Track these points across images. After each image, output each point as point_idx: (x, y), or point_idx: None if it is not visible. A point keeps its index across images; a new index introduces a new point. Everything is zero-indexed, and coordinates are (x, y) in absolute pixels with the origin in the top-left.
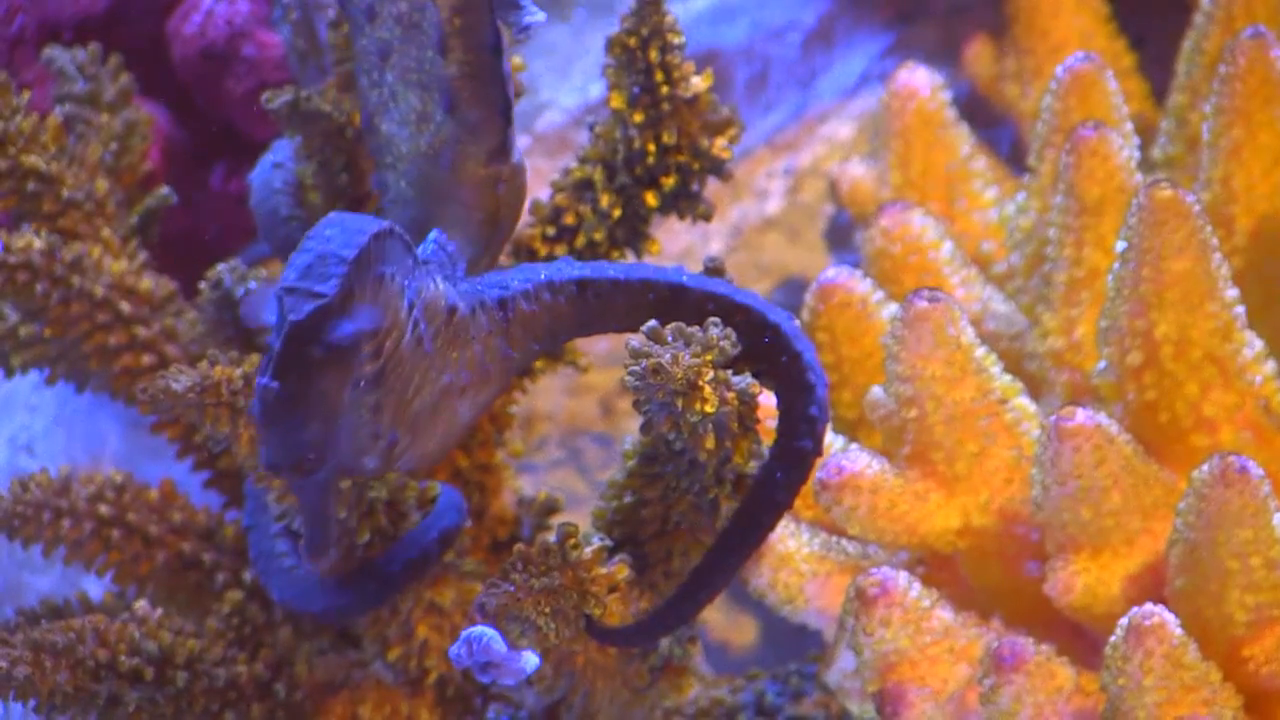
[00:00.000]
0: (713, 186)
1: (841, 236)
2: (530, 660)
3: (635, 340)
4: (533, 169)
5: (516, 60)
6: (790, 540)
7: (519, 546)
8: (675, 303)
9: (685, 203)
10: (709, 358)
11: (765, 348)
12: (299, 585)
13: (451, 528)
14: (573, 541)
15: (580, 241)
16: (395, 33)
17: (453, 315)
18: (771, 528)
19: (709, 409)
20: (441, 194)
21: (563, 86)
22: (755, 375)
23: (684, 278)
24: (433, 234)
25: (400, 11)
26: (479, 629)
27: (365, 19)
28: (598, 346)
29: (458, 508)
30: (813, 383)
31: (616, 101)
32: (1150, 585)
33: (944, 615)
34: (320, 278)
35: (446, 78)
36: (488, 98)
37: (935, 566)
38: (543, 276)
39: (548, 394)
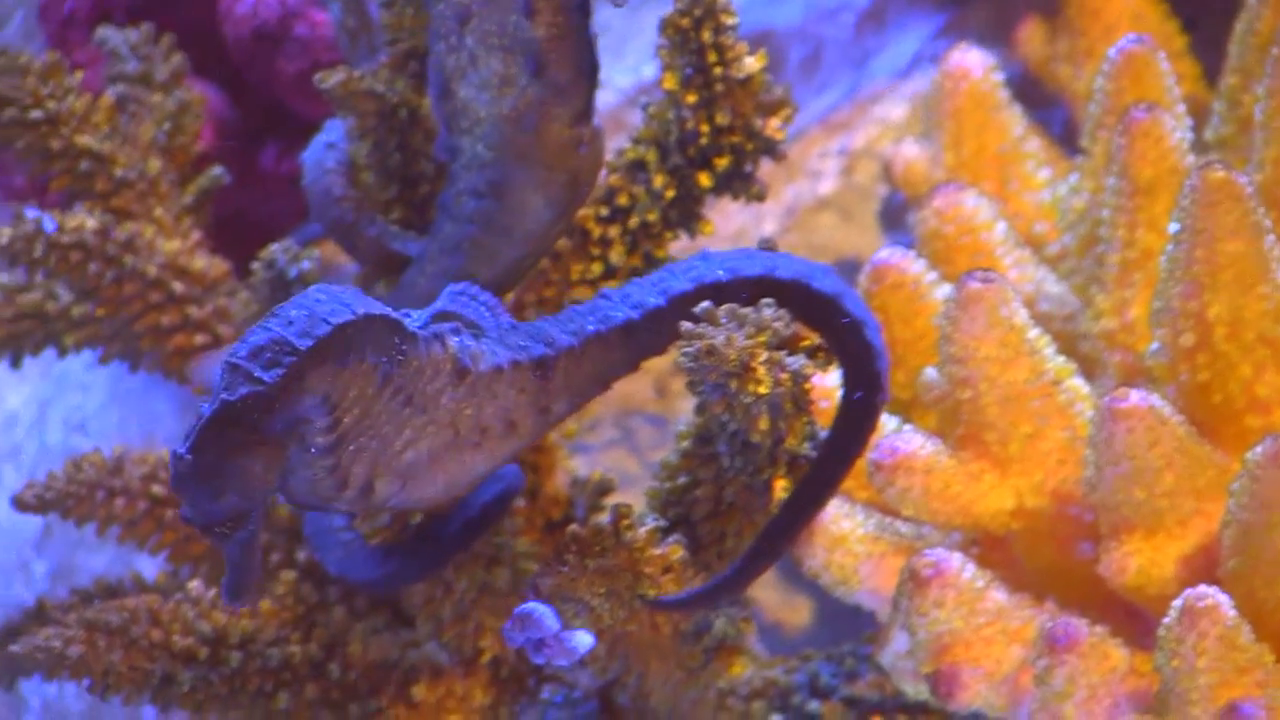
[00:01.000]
0: (766, 167)
1: (895, 217)
2: (583, 640)
3: (688, 322)
4: None
5: None
6: (845, 521)
7: (573, 527)
8: (720, 299)
9: (739, 183)
10: (762, 339)
11: (820, 315)
12: (356, 557)
13: (507, 491)
14: (626, 522)
15: (634, 222)
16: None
17: (463, 378)
18: (844, 477)
19: (762, 390)
20: (523, 156)
21: (616, 67)
22: (809, 354)
23: (721, 271)
24: (462, 287)
25: None
26: (532, 605)
27: None
28: None
29: (513, 473)
30: (871, 339)
31: (670, 82)
32: (1204, 566)
33: (998, 596)
34: (266, 364)
35: (533, 40)
36: (575, 59)
37: (989, 548)
38: (590, 329)
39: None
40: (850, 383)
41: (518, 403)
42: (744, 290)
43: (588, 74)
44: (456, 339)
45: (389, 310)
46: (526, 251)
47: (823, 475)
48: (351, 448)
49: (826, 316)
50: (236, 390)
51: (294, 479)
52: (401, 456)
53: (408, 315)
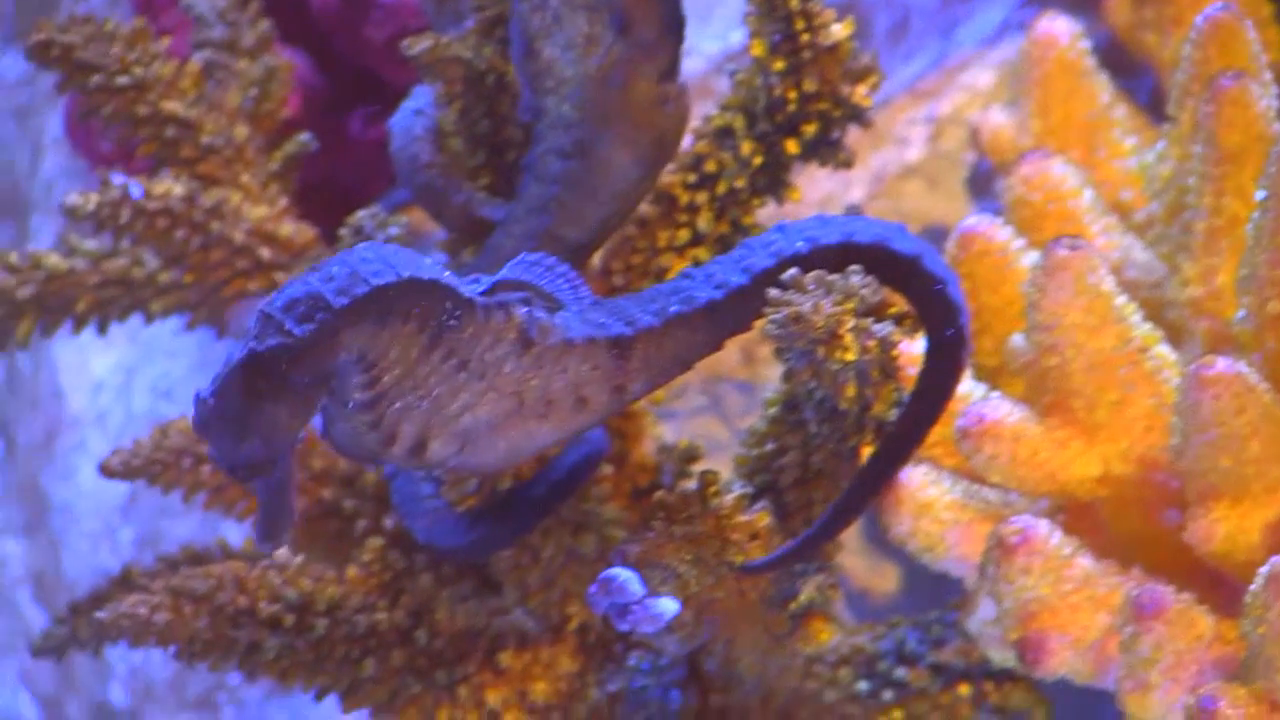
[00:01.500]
0: (853, 134)
1: (982, 184)
2: (667, 606)
3: (775, 289)
4: None
5: None
6: (931, 488)
7: (660, 494)
8: (803, 270)
9: (826, 150)
10: (850, 306)
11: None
12: (445, 524)
13: (593, 453)
14: (713, 489)
15: (721, 188)
16: None
17: (528, 349)
18: (927, 433)
19: (850, 357)
20: (609, 114)
21: (704, 33)
22: (896, 320)
23: (801, 243)
24: (538, 258)
25: None
26: (616, 570)
27: None
28: None
29: (599, 439)
30: (952, 296)
31: (757, 49)
32: None
33: (1084, 563)
34: (299, 318)
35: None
36: (660, 16)
37: (1075, 514)
38: (673, 309)
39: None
40: (933, 339)
41: (590, 379)
42: (826, 258)
43: (673, 31)
44: (524, 309)
45: (441, 274)
46: (613, 210)
47: (907, 431)
48: (397, 405)
49: (908, 276)
50: (266, 340)
51: (335, 429)
52: (459, 420)
53: (474, 281)
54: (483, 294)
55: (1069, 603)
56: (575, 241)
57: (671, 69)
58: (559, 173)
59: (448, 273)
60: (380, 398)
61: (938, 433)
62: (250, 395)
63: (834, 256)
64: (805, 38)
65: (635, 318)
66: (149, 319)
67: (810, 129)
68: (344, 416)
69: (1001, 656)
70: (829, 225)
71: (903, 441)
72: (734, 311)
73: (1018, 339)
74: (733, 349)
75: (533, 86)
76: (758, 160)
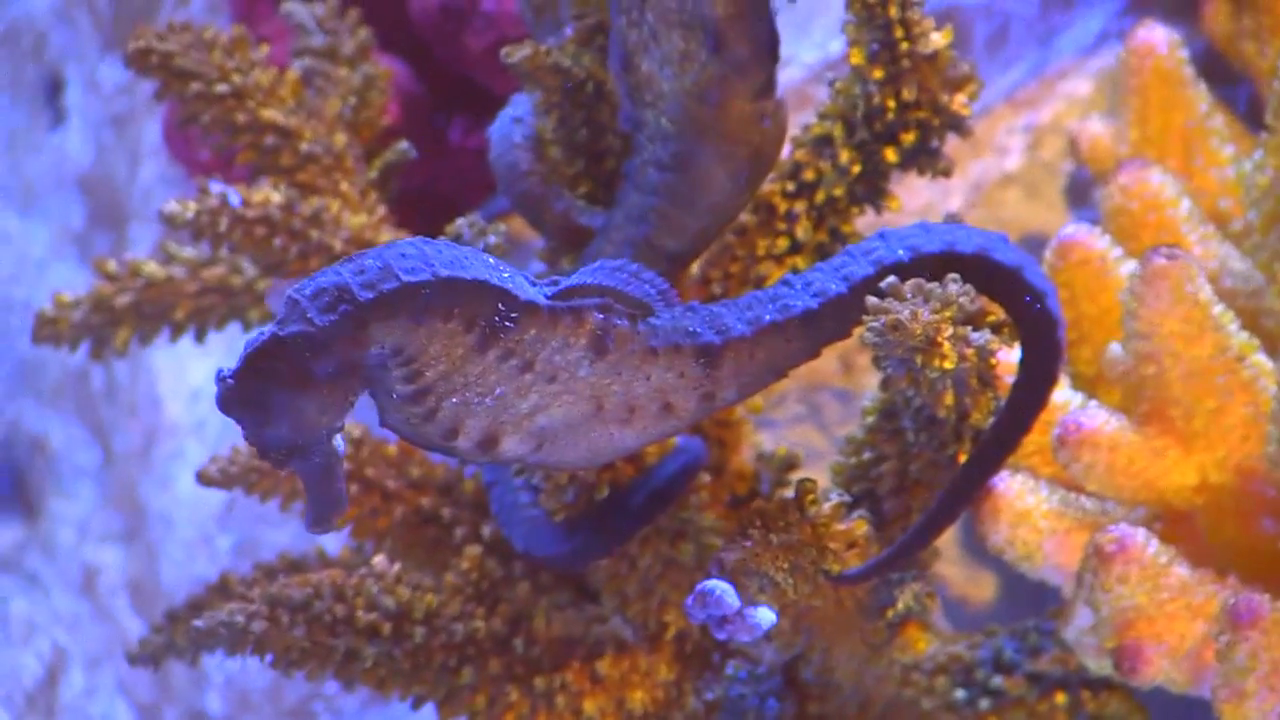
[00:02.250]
0: (952, 143)
1: (1080, 193)
2: (764, 616)
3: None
4: None
5: None
6: (1029, 496)
7: (757, 502)
8: (903, 279)
9: (925, 159)
10: (948, 314)
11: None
12: (543, 532)
13: (692, 463)
14: (811, 497)
15: (820, 197)
16: None
17: (602, 354)
18: (1025, 433)
19: (948, 365)
20: (706, 130)
21: (803, 42)
22: (994, 329)
23: (902, 251)
24: (620, 264)
25: None
26: (712, 582)
27: None
28: None
29: (697, 447)
30: (1052, 309)
31: (856, 58)
32: None
33: (1181, 572)
34: (323, 308)
35: (712, 17)
36: (755, 35)
37: (1172, 523)
38: (767, 318)
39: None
40: (1029, 350)
41: (676, 386)
42: (926, 268)
43: (767, 49)
44: (599, 316)
45: (494, 275)
46: (710, 223)
47: (1000, 439)
48: (453, 400)
49: (1008, 288)
50: (288, 326)
51: (389, 418)
52: (532, 419)
53: (549, 283)
54: (554, 297)
55: (1165, 611)
56: (672, 251)
57: (766, 86)
58: (657, 184)
59: (508, 273)
60: (425, 391)
61: (1035, 441)
62: (271, 379)
63: (935, 265)
64: (904, 46)
65: (728, 326)
66: (247, 327)
67: (909, 137)
68: (394, 407)
69: (1098, 665)
70: (931, 234)
71: (995, 449)
72: (832, 320)
73: (1115, 348)
74: (831, 357)
75: (632, 98)
76: (856, 169)
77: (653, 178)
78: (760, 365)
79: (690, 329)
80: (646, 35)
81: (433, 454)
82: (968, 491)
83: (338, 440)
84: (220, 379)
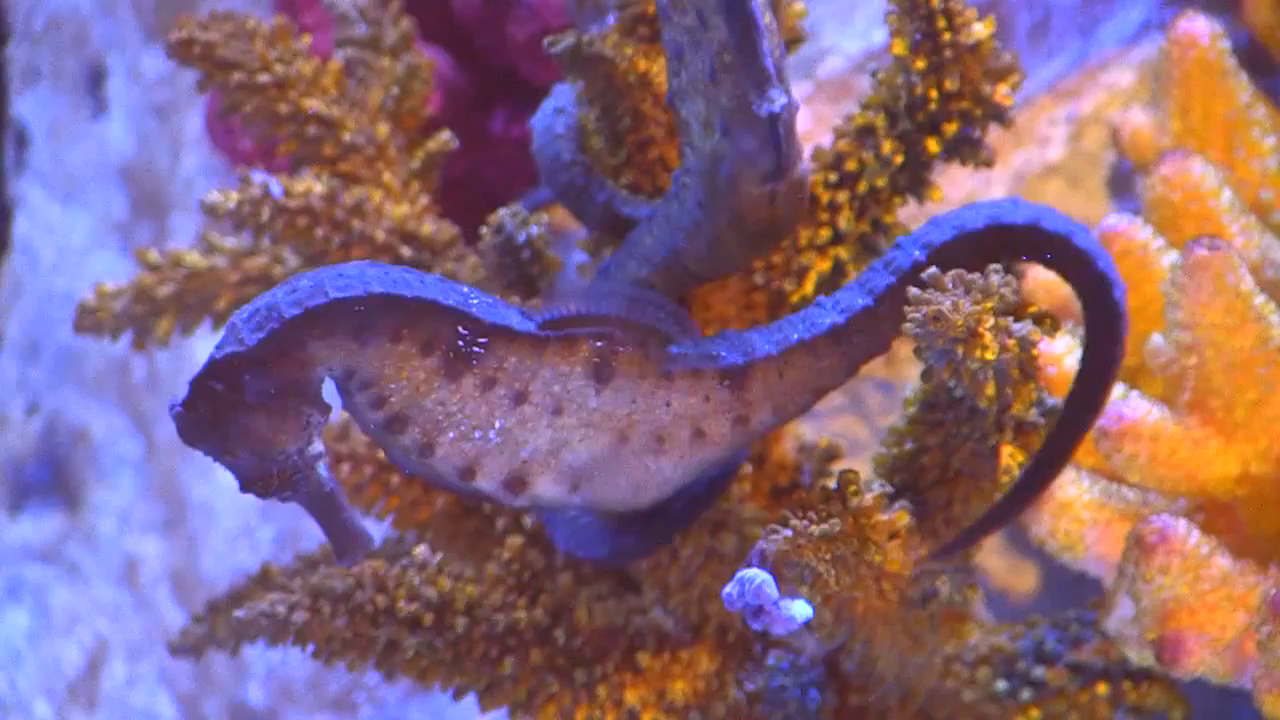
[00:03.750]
0: (994, 133)
1: (1122, 184)
2: (801, 609)
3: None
4: (814, 115)
5: (798, 6)
6: (1070, 487)
7: (799, 493)
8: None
9: (967, 149)
10: (989, 305)
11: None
12: (585, 532)
13: (731, 464)
14: (853, 488)
15: (862, 187)
16: (685, 40)
17: (606, 381)
18: (1107, 391)
19: (989, 356)
20: (719, 196)
21: (846, 32)
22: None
23: (917, 252)
24: (638, 293)
25: (688, 24)
26: (751, 572)
27: (669, 9)
28: None
29: None
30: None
31: (899, 48)
32: None
33: (1222, 563)
34: (255, 327)
35: (721, 104)
36: (759, 130)
37: (1213, 514)
38: (794, 337)
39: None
40: (1091, 316)
41: (704, 411)
42: (945, 256)
43: (774, 144)
44: (596, 343)
45: (450, 298)
46: (731, 268)
47: (1081, 403)
48: (449, 434)
49: (1033, 252)
50: (224, 349)
51: (389, 454)
52: (557, 457)
53: (546, 313)
54: (545, 325)
55: (1207, 602)
56: (695, 273)
57: (775, 172)
58: (693, 208)
59: (476, 300)
60: (399, 420)
61: None
62: (214, 402)
63: (952, 250)
64: (947, 36)
65: (754, 347)
66: None
67: (951, 128)
68: (378, 438)
69: (1140, 656)
70: (940, 224)
71: (1081, 413)
72: (862, 333)
73: (1157, 338)
74: None
75: (675, 102)
76: (899, 159)
77: (689, 202)
78: (792, 385)
79: (713, 353)
80: (684, 86)
81: (460, 496)
82: (1061, 458)
83: (322, 470)
84: (171, 410)
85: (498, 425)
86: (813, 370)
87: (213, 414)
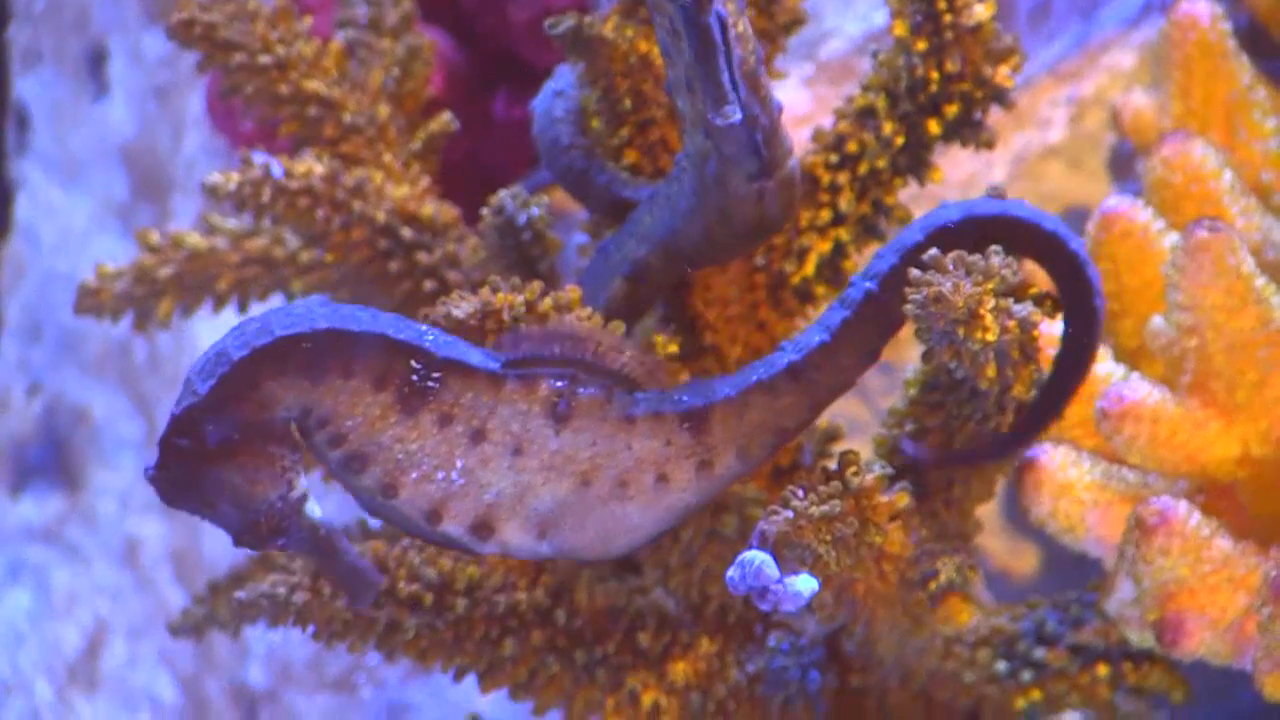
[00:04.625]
0: (995, 115)
1: (1123, 166)
2: (806, 585)
3: (916, 269)
4: (815, 97)
5: None
6: (1071, 469)
7: (800, 474)
8: (878, 317)
9: (968, 131)
10: (990, 286)
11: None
12: None
13: None
14: (854, 469)
15: (863, 169)
16: (669, 41)
17: (565, 422)
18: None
19: (990, 337)
20: (708, 191)
21: (847, 14)
22: (1036, 301)
23: (869, 284)
24: (609, 338)
25: (667, 28)
26: (752, 554)
27: (654, 11)
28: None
29: None
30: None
31: (900, 29)
32: None
33: (1223, 544)
34: (206, 375)
35: (698, 109)
36: (737, 137)
37: (1214, 495)
38: (753, 378)
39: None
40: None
41: (665, 455)
42: (899, 277)
43: (753, 150)
44: (555, 383)
45: (397, 332)
46: (727, 257)
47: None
48: (412, 474)
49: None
50: (182, 404)
51: (357, 498)
52: (523, 502)
53: (508, 355)
54: (508, 364)
55: (1207, 584)
56: (691, 257)
57: (762, 171)
58: (690, 194)
59: (433, 336)
60: (358, 458)
61: (1078, 413)
62: (184, 458)
63: (903, 271)
64: (948, 18)
65: (714, 390)
66: (290, 298)
67: (952, 109)
68: (344, 482)
69: (1140, 637)
70: (884, 252)
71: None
72: (820, 369)
73: (1158, 320)
74: None
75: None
76: (900, 140)
77: (688, 185)
78: (753, 427)
79: (675, 397)
80: (678, 80)
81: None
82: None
83: (311, 512)
84: (147, 475)
85: (459, 465)
86: (772, 410)
87: (185, 471)
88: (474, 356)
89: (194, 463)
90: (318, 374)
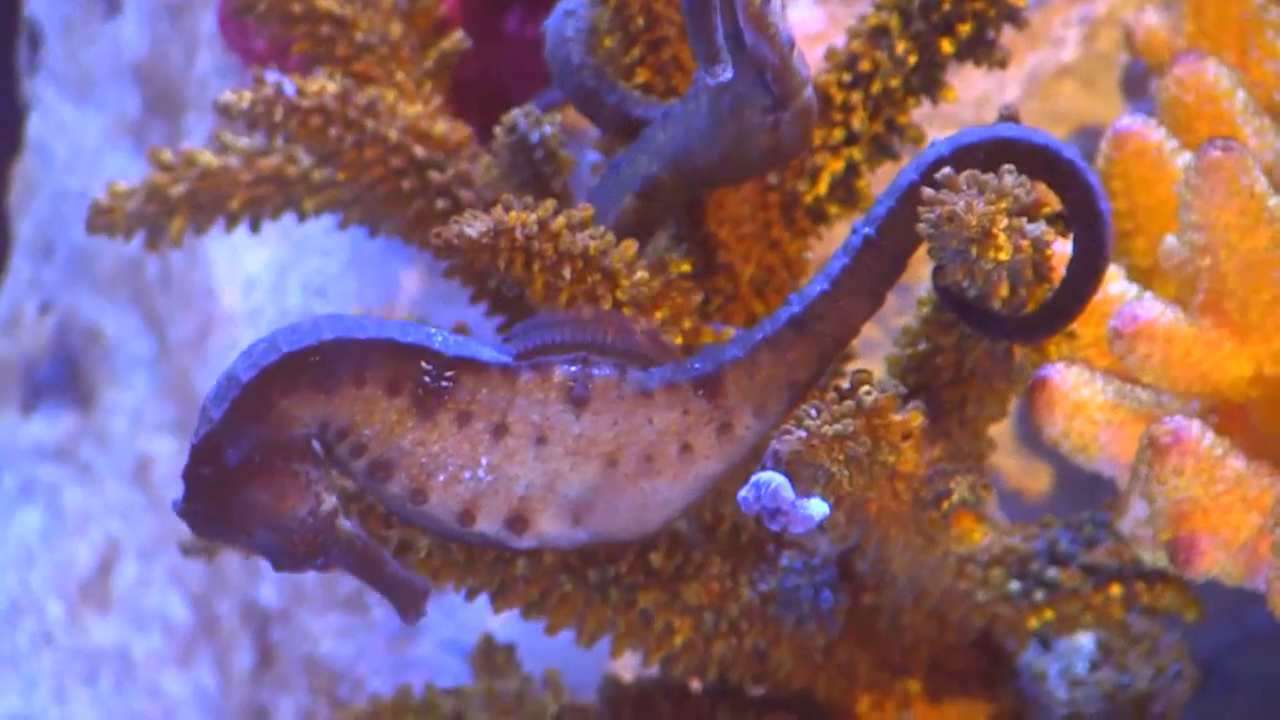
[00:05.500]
0: (1008, 34)
1: (1136, 85)
2: (817, 508)
3: (929, 189)
4: (829, 15)
5: None
6: (1084, 388)
7: (812, 393)
8: (871, 262)
9: (981, 50)
10: (1003, 205)
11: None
12: None
13: None
14: (867, 388)
15: (876, 88)
16: None
17: (584, 406)
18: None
19: (1003, 256)
20: (723, 120)
21: None
22: (1049, 221)
23: (867, 229)
24: (613, 315)
25: None
26: (768, 475)
27: None
28: None
29: None
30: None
31: None
32: None
33: (1236, 464)
34: (219, 401)
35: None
36: (747, 73)
37: (1227, 415)
38: (759, 335)
39: (841, 242)
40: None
41: (686, 424)
42: (897, 220)
43: (766, 84)
44: (568, 369)
45: (404, 336)
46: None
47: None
48: (439, 476)
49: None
50: (199, 432)
51: (386, 506)
52: (553, 491)
53: (516, 346)
54: (519, 356)
55: (1221, 504)
56: (706, 177)
57: (776, 104)
58: (706, 115)
59: (441, 337)
60: (384, 465)
61: (1091, 333)
62: (210, 489)
63: (903, 211)
64: None
65: (722, 352)
66: (302, 217)
67: (965, 28)
68: (374, 492)
69: (1153, 557)
70: (883, 196)
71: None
72: (824, 319)
73: (1171, 240)
74: None
75: None
76: (912, 59)
77: (704, 106)
78: (766, 383)
79: (687, 365)
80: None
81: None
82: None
83: (346, 525)
84: (176, 509)
85: (484, 462)
86: (782, 365)
87: (212, 500)
88: (485, 352)
89: (218, 490)
90: (330, 385)
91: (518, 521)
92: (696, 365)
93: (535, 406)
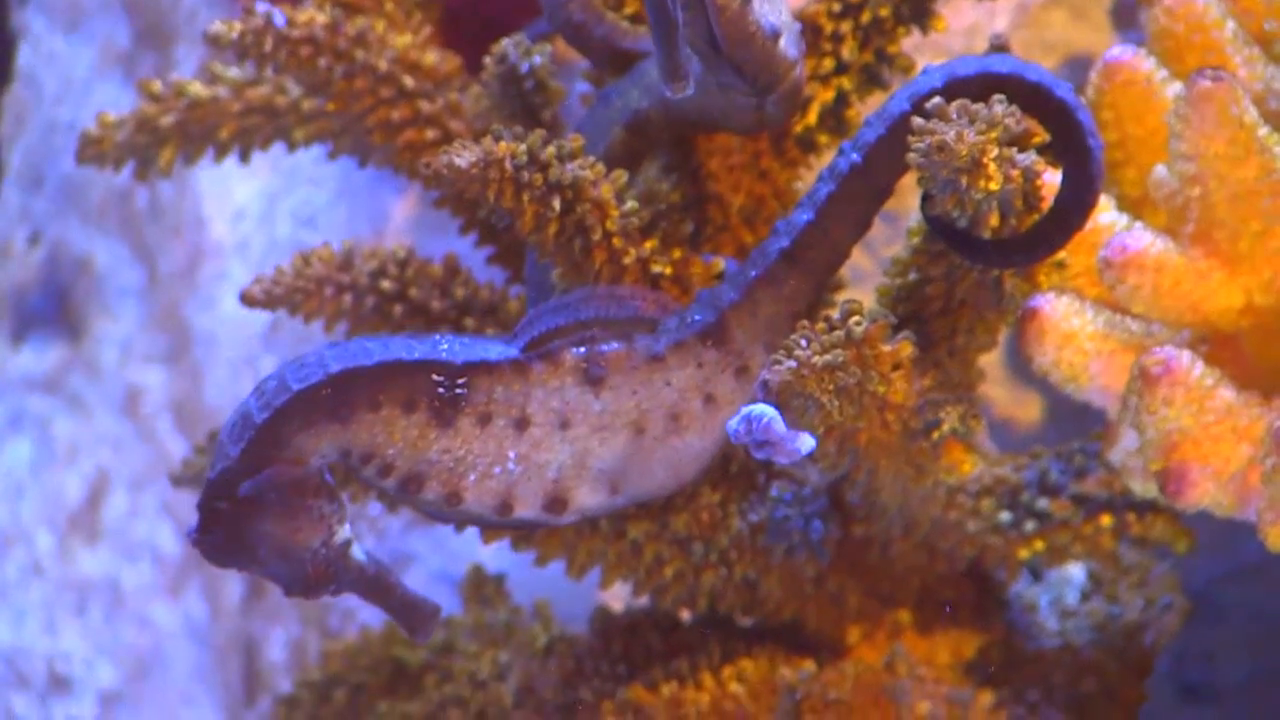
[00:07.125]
0: None
1: (1126, 15)
2: (806, 441)
3: (919, 118)
4: None
5: None
6: (1074, 318)
7: (802, 323)
8: (860, 187)
9: None
10: (993, 135)
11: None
12: None
13: None
14: (856, 318)
15: (866, 17)
16: None
17: (601, 383)
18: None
19: (993, 186)
20: (709, 95)
21: None
22: (1040, 151)
23: (855, 155)
24: (607, 290)
25: None
26: (759, 407)
27: None
28: None
29: None
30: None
31: None
32: None
33: (1226, 395)
34: (235, 439)
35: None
36: (728, 71)
37: (1217, 346)
38: (752, 273)
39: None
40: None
41: (703, 377)
42: (888, 143)
43: (749, 79)
44: (577, 350)
45: (409, 353)
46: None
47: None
48: (470, 477)
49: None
50: (216, 468)
51: (422, 511)
52: (585, 467)
53: (519, 336)
54: (525, 348)
55: (1211, 434)
56: (695, 121)
57: (764, 89)
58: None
59: (446, 345)
60: (415, 478)
61: (1081, 263)
62: (226, 522)
63: (893, 138)
64: None
65: (720, 297)
66: (291, 147)
67: None
68: (407, 504)
69: (1144, 488)
70: (873, 121)
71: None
72: (813, 248)
73: (1161, 170)
74: None
75: None
76: None
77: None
78: (769, 319)
79: (688, 319)
80: None
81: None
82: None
83: (357, 554)
84: (190, 538)
85: (512, 455)
86: (780, 299)
87: (227, 532)
88: (492, 351)
89: (234, 523)
90: (345, 415)
91: (556, 503)
92: (698, 318)
93: (553, 394)
